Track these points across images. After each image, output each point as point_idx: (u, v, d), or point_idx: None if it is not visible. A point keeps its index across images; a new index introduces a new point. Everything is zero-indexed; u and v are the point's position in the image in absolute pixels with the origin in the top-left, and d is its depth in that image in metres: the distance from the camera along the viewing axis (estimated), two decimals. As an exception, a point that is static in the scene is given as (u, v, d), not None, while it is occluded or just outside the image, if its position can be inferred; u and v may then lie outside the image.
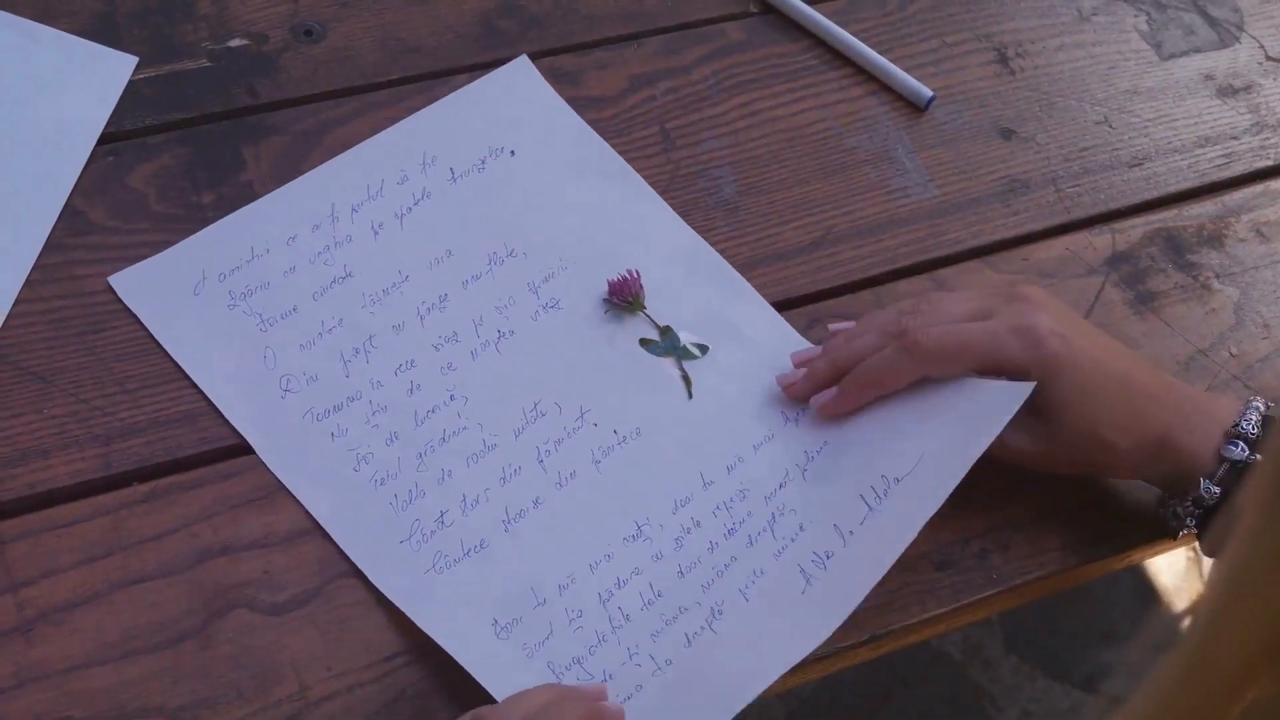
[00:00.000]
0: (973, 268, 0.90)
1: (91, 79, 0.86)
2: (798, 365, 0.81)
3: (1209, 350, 0.89)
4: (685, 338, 0.83)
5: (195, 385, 0.77)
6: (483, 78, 0.92)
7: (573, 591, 0.73)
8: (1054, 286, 0.90)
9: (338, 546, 0.73)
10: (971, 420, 0.74)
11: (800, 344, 0.83)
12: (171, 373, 0.77)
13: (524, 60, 0.93)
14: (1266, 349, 0.89)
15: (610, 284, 0.83)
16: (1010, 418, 0.73)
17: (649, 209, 0.88)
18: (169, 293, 0.80)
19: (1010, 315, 0.75)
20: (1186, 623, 0.34)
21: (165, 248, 0.82)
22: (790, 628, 0.71)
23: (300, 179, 0.85)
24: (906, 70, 0.98)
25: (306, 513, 0.74)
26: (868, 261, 0.89)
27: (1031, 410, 0.74)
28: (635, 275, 0.83)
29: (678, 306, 0.84)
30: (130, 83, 0.87)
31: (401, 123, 0.88)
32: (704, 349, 0.83)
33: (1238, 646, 0.33)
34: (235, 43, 0.90)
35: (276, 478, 0.75)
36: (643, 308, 0.83)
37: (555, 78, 0.93)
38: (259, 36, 0.91)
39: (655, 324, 0.83)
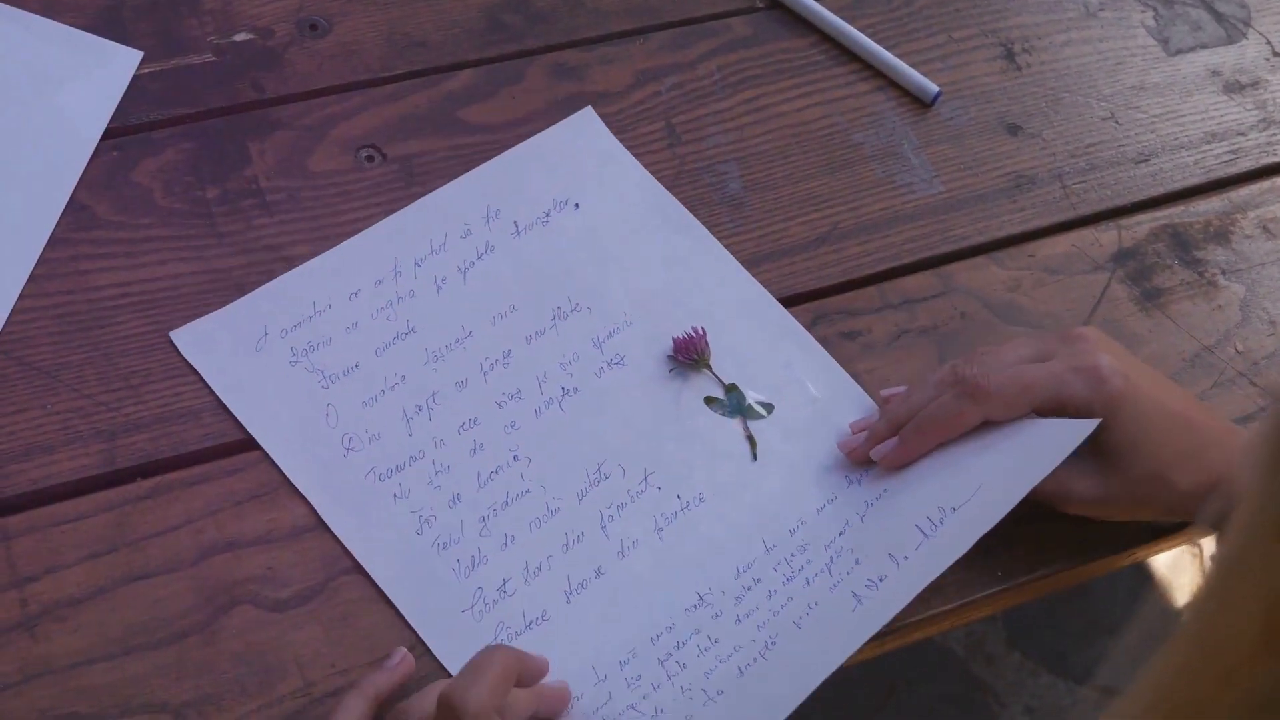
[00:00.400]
0: (979, 264, 0.90)
1: (97, 73, 0.86)
2: (857, 432, 0.81)
3: (1215, 347, 0.89)
4: (751, 396, 0.82)
5: (197, 385, 0.77)
6: (549, 130, 0.91)
7: (633, 665, 0.73)
8: (1060, 283, 0.90)
9: (341, 544, 0.73)
10: (1033, 452, 0.73)
11: (863, 399, 0.83)
12: (175, 369, 0.77)
13: (589, 112, 0.92)
14: (1272, 345, 0.89)
15: (675, 341, 0.82)
16: (1073, 449, 0.72)
17: (714, 262, 0.87)
18: (231, 349, 0.79)
19: (1070, 356, 0.75)
20: (1185, 610, 0.34)
21: (171, 243, 0.81)
22: (836, 635, 0.70)
23: (363, 233, 0.84)
24: (913, 66, 0.98)
25: (310, 509, 0.74)
26: (874, 257, 0.89)
27: (1093, 453, 0.73)
28: (701, 332, 0.82)
29: (743, 363, 0.83)
30: (135, 77, 0.87)
31: (465, 175, 0.88)
32: (769, 408, 0.82)
33: (1236, 630, 0.33)
34: (240, 37, 0.90)
35: (281, 474, 0.75)
36: (708, 365, 0.82)
37: (561, 74, 0.93)
38: (264, 31, 0.91)
39: (721, 382, 0.82)
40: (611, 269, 0.86)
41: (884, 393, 0.82)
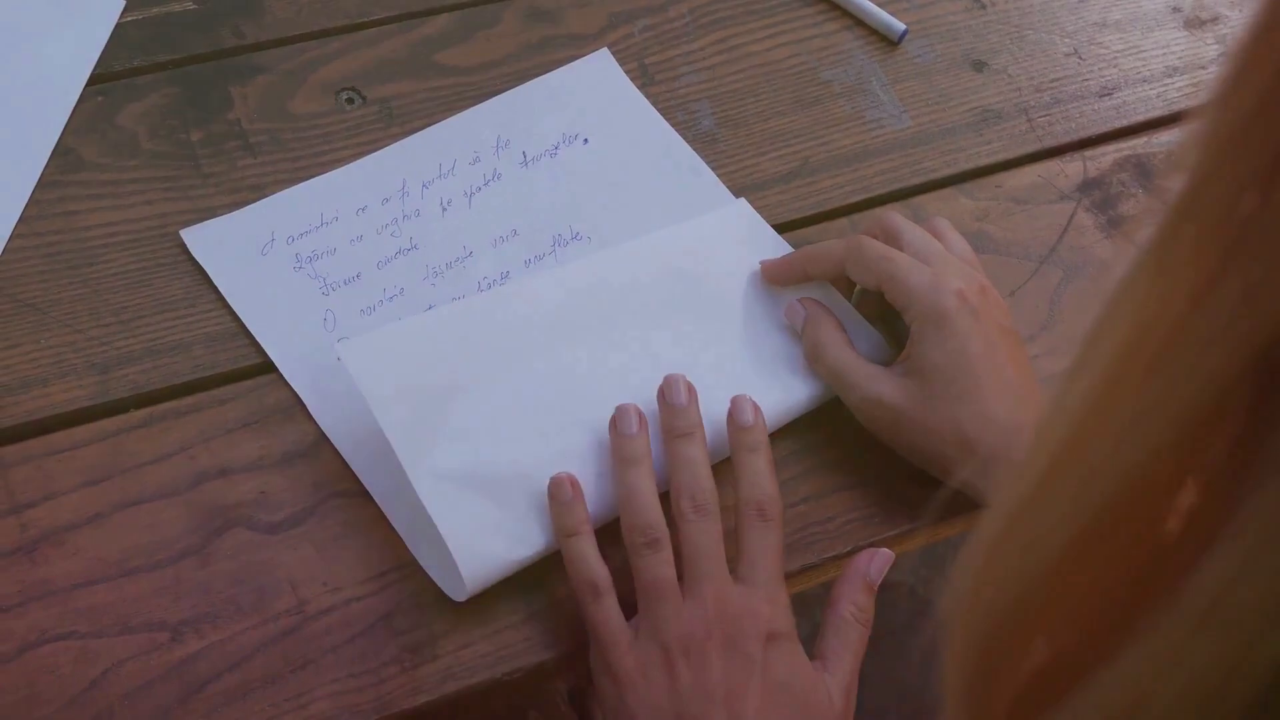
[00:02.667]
0: (948, 195, 0.92)
1: (79, 21, 0.88)
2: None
3: (1178, 270, 0.91)
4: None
5: (186, 318, 0.79)
6: (563, 67, 0.93)
7: None
8: (1027, 212, 0.92)
9: (332, 467, 0.75)
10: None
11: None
12: (165, 304, 0.79)
13: (605, 53, 0.94)
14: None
15: None
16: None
17: (716, 202, 0.89)
18: (237, 251, 0.81)
19: (943, 271, 0.77)
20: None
21: (157, 184, 0.83)
22: None
23: (374, 154, 0.87)
24: (879, 5, 1.00)
25: (301, 435, 0.76)
26: (845, 190, 0.91)
27: (903, 374, 0.76)
28: None
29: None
30: (118, 25, 0.89)
31: (478, 106, 0.90)
32: None
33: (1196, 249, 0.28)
34: (220, -15, 0.92)
35: (272, 402, 0.77)
36: None
37: (536, 17, 0.95)
38: (243, -21, 0.93)
39: None
40: (614, 202, 0.88)
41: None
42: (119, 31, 0.88)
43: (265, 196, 0.84)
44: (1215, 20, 1.06)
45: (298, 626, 0.71)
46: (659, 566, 0.71)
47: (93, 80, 0.86)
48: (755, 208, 0.89)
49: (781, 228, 0.88)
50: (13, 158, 0.82)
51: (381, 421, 0.73)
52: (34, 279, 0.79)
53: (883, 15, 0.99)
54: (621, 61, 0.94)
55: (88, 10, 0.88)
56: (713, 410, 0.77)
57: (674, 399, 0.75)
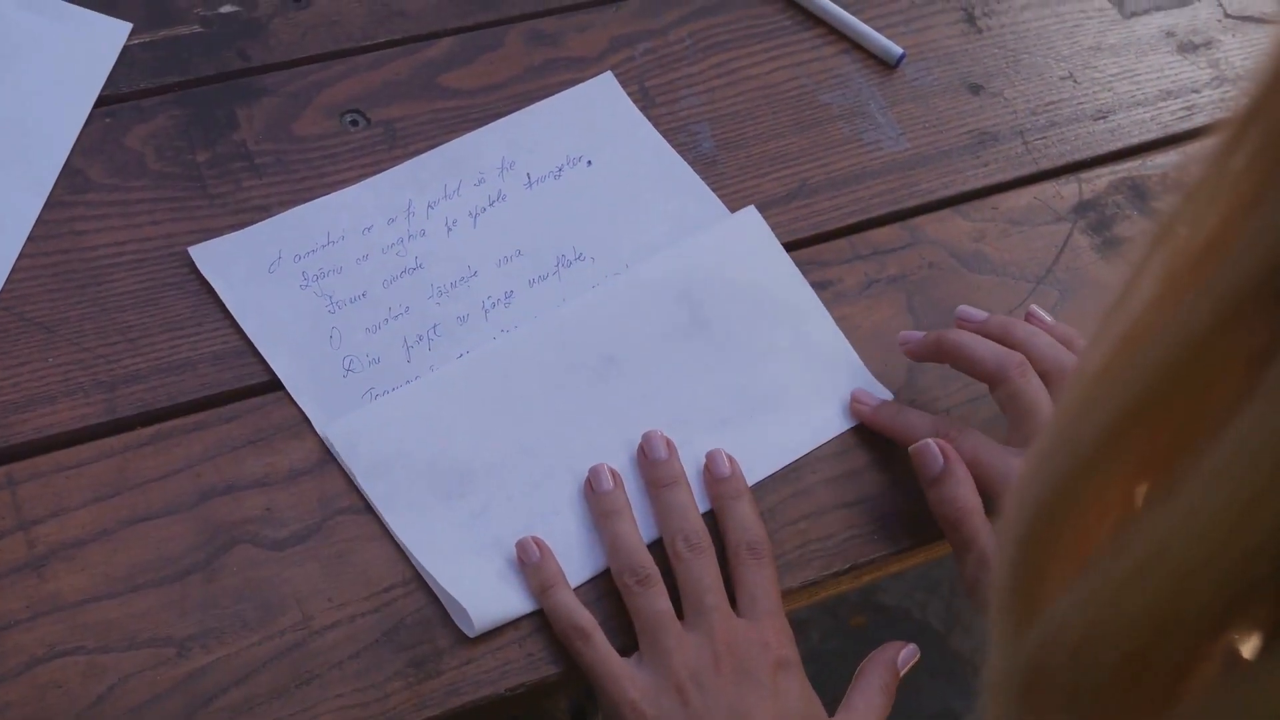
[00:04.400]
0: (944, 216, 0.93)
1: (88, 44, 0.89)
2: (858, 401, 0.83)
3: (1173, 291, 0.92)
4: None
5: (193, 337, 0.80)
6: (567, 90, 0.94)
7: None
8: (1023, 233, 0.93)
9: (336, 484, 0.76)
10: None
11: (853, 358, 0.85)
12: (171, 323, 0.80)
13: (608, 76, 0.95)
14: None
15: None
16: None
17: (716, 221, 0.90)
18: (245, 268, 0.83)
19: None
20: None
21: (163, 204, 0.84)
22: None
23: (381, 174, 0.88)
24: (877, 29, 1.01)
25: (306, 453, 0.77)
26: (843, 211, 0.92)
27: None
28: None
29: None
30: (125, 48, 0.90)
31: (483, 128, 0.91)
32: None
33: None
34: (226, 9, 0.93)
35: (277, 419, 0.78)
36: None
37: (538, 40, 0.96)
38: (249, 2, 0.94)
39: None
40: (618, 224, 0.89)
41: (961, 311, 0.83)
42: (126, 54, 0.89)
43: (272, 216, 0.85)
44: (1209, 44, 1.07)
45: (303, 642, 0.71)
46: (655, 600, 0.72)
47: (100, 102, 0.87)
48: (755, 228, 0.90)
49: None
50: (21, 178, 0.83)
51: (372, 495, 0.76)
52: (42, 298, 0.79)
53: (880, 39, 1.00)
54: (623, 84, 0.95)
55: (95, 33, 0.89)
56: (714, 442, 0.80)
57: (655, 454, 0.78)
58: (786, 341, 0.85)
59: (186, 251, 0.82)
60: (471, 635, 0.72)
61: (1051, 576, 0.31)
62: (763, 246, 0.88)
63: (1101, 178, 0.98)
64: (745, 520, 0.76)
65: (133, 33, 0.90)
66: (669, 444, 0.78)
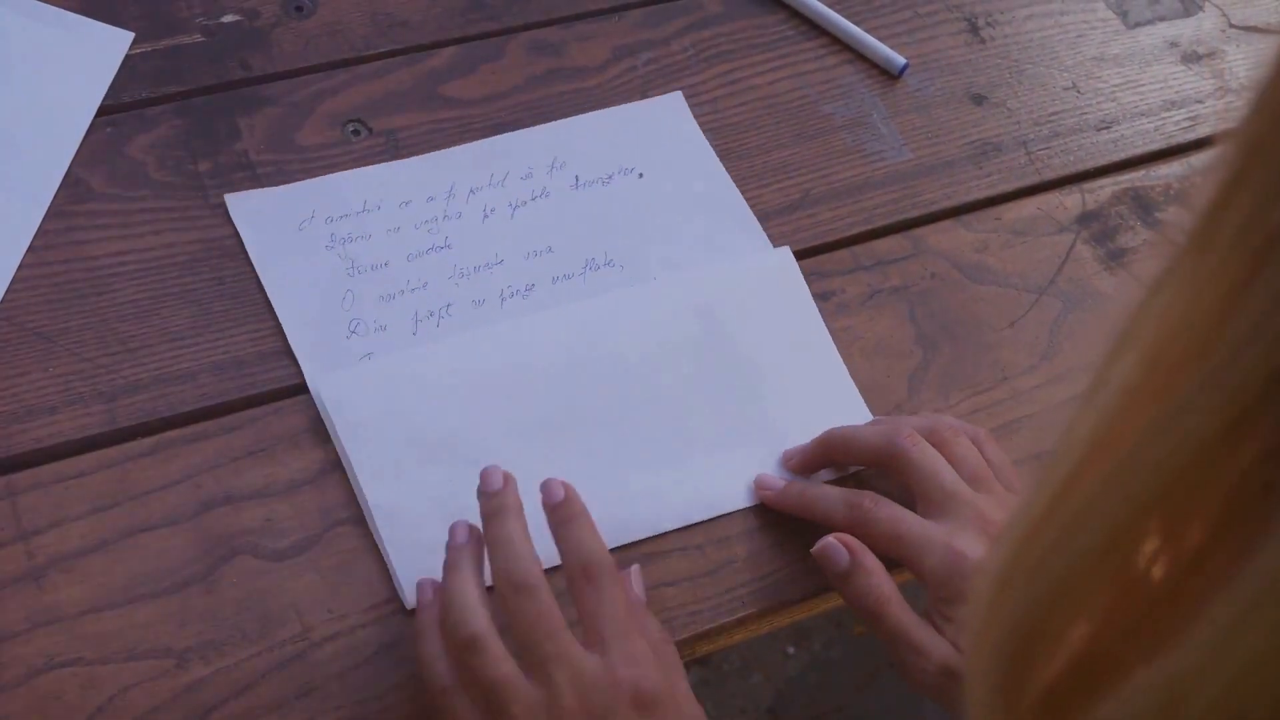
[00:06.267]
0: (947, 227, 0.93)
1: (89, 54, 0.89)
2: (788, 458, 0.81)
3: (1176, 302, 0.92)
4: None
5: (193, 348, 0.80)
6: (634, 104, 0.95)
7: None
8: (1026, 244, 0.93)
9: (337, 494, 0.76)
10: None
11: (860, 405, 0.84)
12: (172, 334, 0.80)
13: (678, 96, 0.95)
14: (1232, 300, 0.92)
15: None
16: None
17: (757, 253, 0.89)
18: (276, 221, 0.84)
19: (958, 531, 0.73)
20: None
21: (165, 215, 0.84)
22: None
23: (431, 154, 0.89)
24: (880, 40, 1.01)
25: (307, 463, 0.77)
26: (846, 221, 0.92)
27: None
28: None
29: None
30: (127, 57, 0.89)
31: (543, 125, 0.92)
32: None
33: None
34: (228, 18, 0.93)
35: (278, 430, 0.77)
36: None
37: (540, 50, 0.96)
38: (251, 12, 0.94)
39: None
40: (655, 238, 0.89)
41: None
42: (128, 64, 0.89)
43: (315, 177, 0.87)
44: (1212, 55, 1.07)
45: (303, 653, 0.71)
46: (489, 668, 0.66)
47: (102, 111, 0.87)
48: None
49: (783, 259, 0.90)
50: (22, 188, 0.83)
51: (350, 453, 0.76)
52: (42, 308, 0.79)
53: (883, 49, 1.00)
54: (624, 95, 0.95)
55: (97, 42, 0.89)
56: (698, 464, 0.79)
57: (490, 486, 0.70)
58: (794, 386, 0.84)
59: (224, 197, 0.84)
60: (408, 608, 0.72)
61: (1039, 679, 0.31)
62: (791, 289, 0.87)
63: (1105, 188, 0.98)
64: (579, 544, 0.69)
65: (134, 42, 0.90)
66: (506, 476, 0.71)
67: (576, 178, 0.90)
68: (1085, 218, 0.96)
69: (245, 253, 0.83)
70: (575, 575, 0.69)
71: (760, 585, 0.78)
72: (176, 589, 0.72)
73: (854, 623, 1.79)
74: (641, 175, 0.91)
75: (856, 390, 0.85)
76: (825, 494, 0.78)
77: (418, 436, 0.78)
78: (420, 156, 0.89)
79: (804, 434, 0.81)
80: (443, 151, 0.89)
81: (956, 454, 0.77)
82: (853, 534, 0.75)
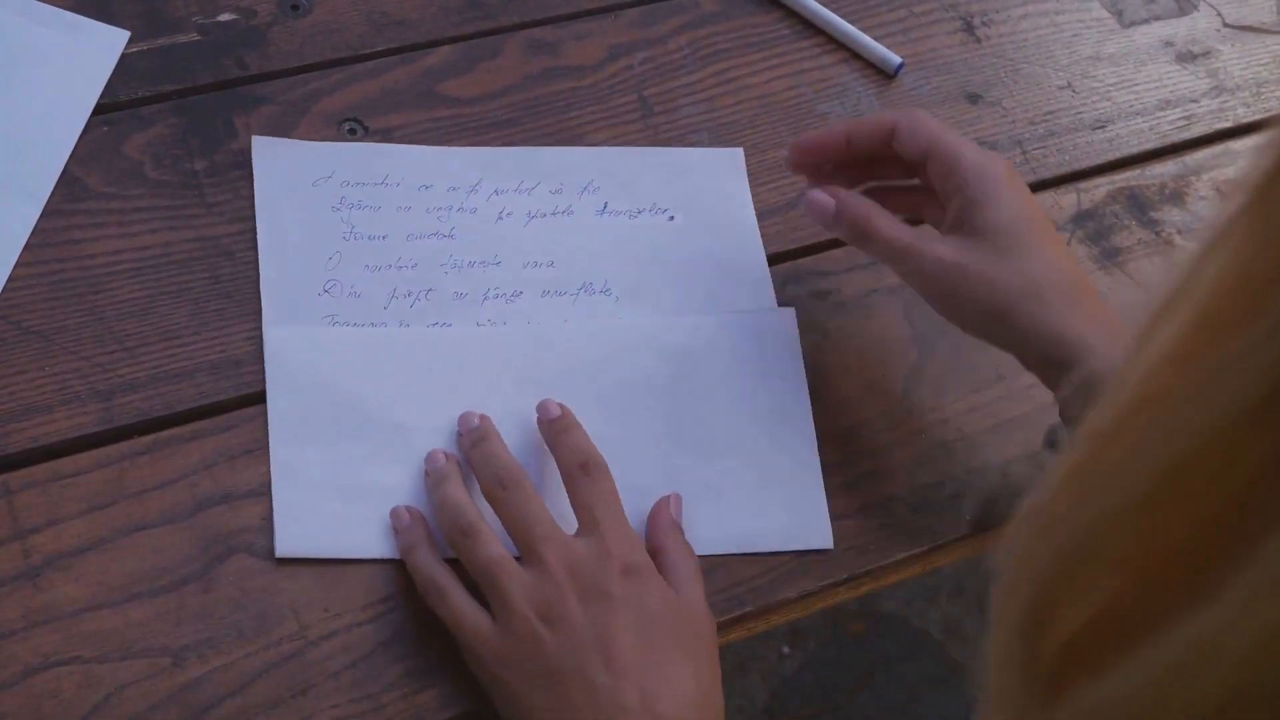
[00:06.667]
0: (943, 226, 0.93)
1: (86, 52, 0.89)
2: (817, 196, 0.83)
3: (1171, 301, 0.92)
4: None
5: (190, 346, 0.80)
6: (692, 149, 0.93)
7: None
8: (1021, 243, 0.93)
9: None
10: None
11: (819, 491, 0.82)
12: (169, 332, 0.80)
13: (739, 153, 0.94)
14: (1227, 299, 0.92)
15: None
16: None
17: (762, 317, 0.87)
18: (292, 173, 0.86)
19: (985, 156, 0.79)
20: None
21: (161, 213, 0.84)
22: None
23: (468, 149, 0.90)
24: (875, 39, 1.01)
25: (302, 462, 0.77)
26: (841, 220, 0.92)
27: (958, 232, 0.77)
28: None
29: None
30: (123, 56, 0.89)
31: (591, 148, 0.92)
32: None
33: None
34: (224, 17, 0.93)
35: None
36: None
37: (536, 49, 0.96)
38: (247, 11, 0.94)
39: None
40: (660, 279, 0.87)
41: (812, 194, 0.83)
42: (124, 62, 0.89)
43: (355, 141, 0.89)
44: (1207, 54, 1.07)
45: (299, 652, 0.71)
46: (481, 549, 0.71)
47: (98, 110, 0.87)
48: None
49: (779, 257, 0.90)
50: (18, 186, 0.83)
51: (271, 404, 0.78)
52: (39, 306, 0.79)
53: (879, 49, 1.00)
54: (621, 93, 0.95)
55: (93, 41, 0.89)
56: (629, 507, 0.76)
57: (466, 426, 0.77)
58: (759, 446, 0.81)
59: (251, 139, 0.86)
60: (276, 556, 0.73)
61: (1060, 633, 0.31)
62: (783, 351, 0.85)
63: (1100, 187, 0.98)
64: (575, 445, 0.75)
65: (131, 41, 0.90)
66: (480, 415, 0.78)
67: (605, 204, 0.89)
68: (1080, 217, 0.96)
69: (241, 251, 0.83)
70: (572, 470, 0.74)
71: (755, 585, 0.78)
72: (173, 588, 0.72)
73: (850, 622, 1.80)
74: (672, 218, 0.90)
75: (820, 472, 0.81)
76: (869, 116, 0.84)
77: (346, 411, 0.78)
78: (463, 148, 0.90)
79: (752, 504, 0.80)
80: (488, 149, 0.90)
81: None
82: (902, 130, 0.80)
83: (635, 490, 0.77)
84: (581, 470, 0.74)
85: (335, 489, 0.76)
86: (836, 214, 0.80)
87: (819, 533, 0.79)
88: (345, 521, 0.75)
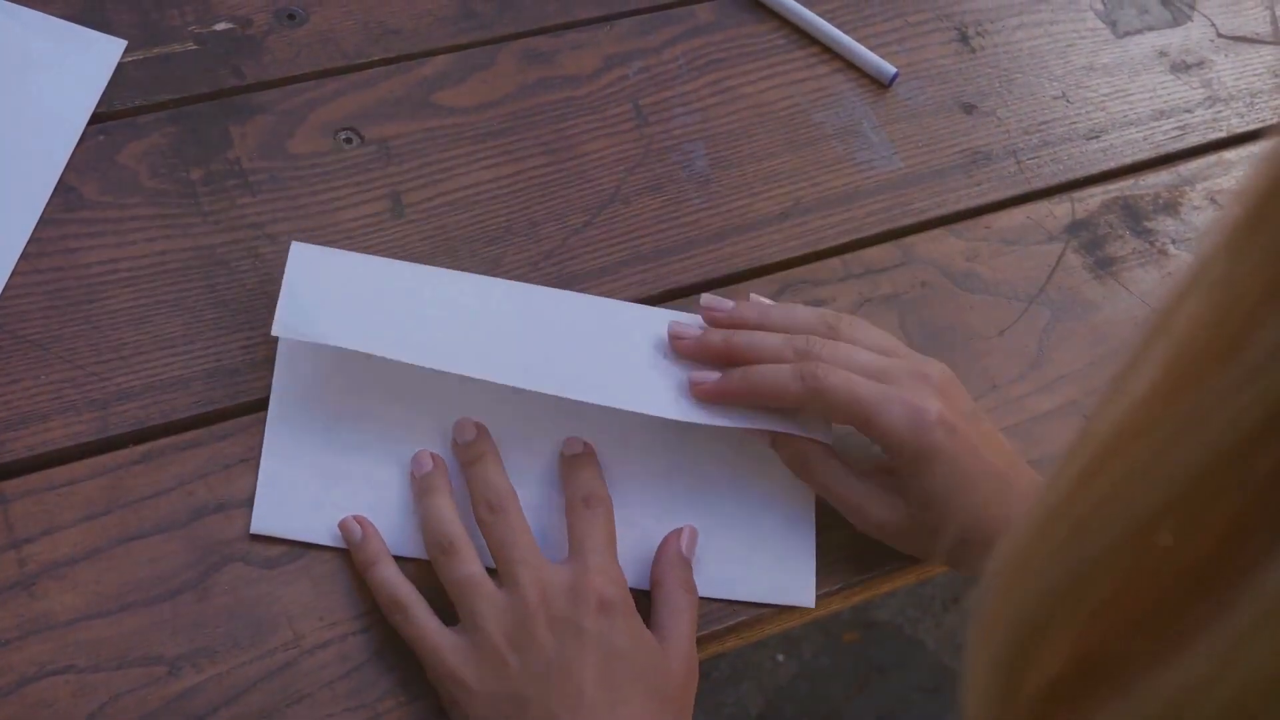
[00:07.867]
0: (937, 235, 0.94)
1: (82, 61, 0.89)
2: (676, 335, 0.80)
3: (1165, 311, 0.92)
4: None
5: (185, 355, 0.80)
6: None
7: None
8: (1016, 252, 0.94)
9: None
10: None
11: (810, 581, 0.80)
12: (164, 341, 0.80)
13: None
14: (1220, 309, 0.93)
15: None
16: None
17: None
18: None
19: (909, 387, 0.74)
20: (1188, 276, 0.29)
21: (157, 222, 0.84)
22: None
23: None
24: (870, 49, 1.01)
25: (298, 471, 0.77)
26: (836, 230, 0.93)
27: (899, 489, 0.74)
28: None
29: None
30: (120, 65, 0.90)
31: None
32: None
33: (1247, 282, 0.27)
34: (221, 26, 0.93)
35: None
36: None
37: (532, 58, 0.96)
38: (243, 20, 0.94)
39: None
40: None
41: (704, 300, 0.81)
42: (120, 71, 0.89)
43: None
44: (1201, 64, 1.07)
45: (294, 661, 0.71)
46: (461, 566, 0.72)
47: (94, 119, 0.87)
48: (748, 247, 0.90)
49: (774, 268, 0.90)
50: (14, 195, 0.83)
51: (275, 377, 0.79)
52: (35, 315, 0.79)
53: (873, 58, 1.00)
54: (616, 103, 0.95)
55: (90, 50, 0.90)
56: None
57: (464, 438, 0.77)
58: (757, 493, 0.80)
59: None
60: (250, 532, 0.74)
61: (1039, 680, 0.30)
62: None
63: (1094, 197, 0.98)
64: (585, 479, 0.76)
65: (127, 50, 0.90)
66: (479, 425, 0.78)
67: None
68: (1074, 227, 0.96)
69: (237, 260, 0.83)
70: (575, 503, 0.75)
71: (751, 593, 0.78)
72: (168, 596, 0.72)
73: (843, 630, 1.80)
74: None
75: (814, 527, 0.80)
76: (771, 372, 0.75)
77: (350, 397, 0.79)
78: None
79: (741, 551, 0.79)
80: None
81: (858, 341, 0.77)
82: (809, 405, 0.75)
83: (627, 523, 0.77)
84: (584, 503, 0.75)
85: (321, 472, 0.76)
86: (773, 443, 0.78)
87: (803, 591, 0.79)
88: (326, 507, 0.75)
